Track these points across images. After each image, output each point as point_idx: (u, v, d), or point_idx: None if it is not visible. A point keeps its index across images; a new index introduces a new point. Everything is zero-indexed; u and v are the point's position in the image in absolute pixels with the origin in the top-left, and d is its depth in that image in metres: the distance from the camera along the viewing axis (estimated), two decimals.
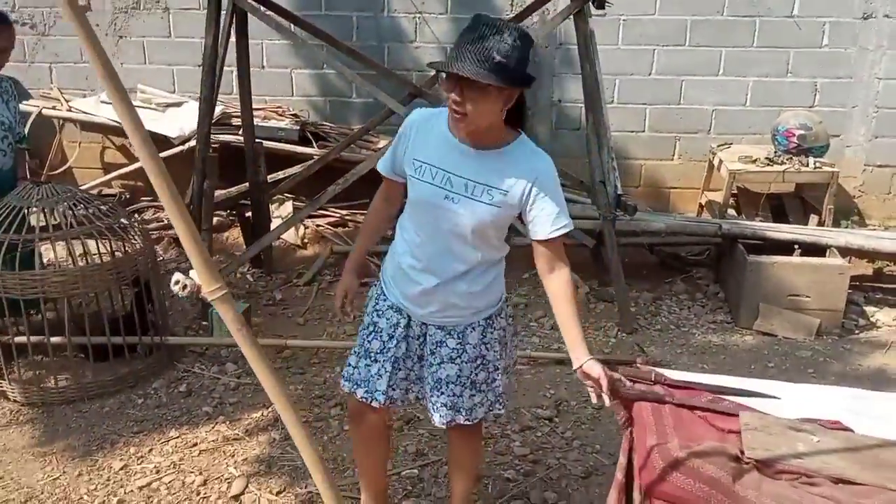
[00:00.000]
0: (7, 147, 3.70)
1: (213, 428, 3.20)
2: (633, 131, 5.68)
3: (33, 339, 3.45)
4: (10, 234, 3.26)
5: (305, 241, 5.46)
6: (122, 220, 3.75)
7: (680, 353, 4.04)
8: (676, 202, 5.85)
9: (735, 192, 5.32)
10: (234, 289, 4.74)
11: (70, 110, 5.64)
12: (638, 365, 2.21)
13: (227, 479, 2.85)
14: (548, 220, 2.05)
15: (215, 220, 5.53)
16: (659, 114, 5.60)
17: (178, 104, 5.78)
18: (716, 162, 5.29)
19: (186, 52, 5.72)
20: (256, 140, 4.67)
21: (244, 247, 5.00)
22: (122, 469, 2.93)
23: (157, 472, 2.90)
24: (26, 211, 3.36)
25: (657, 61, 5.46)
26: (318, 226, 5.60)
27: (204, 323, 4.05)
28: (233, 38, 4.31)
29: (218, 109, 5.53)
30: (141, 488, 2.80)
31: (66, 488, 2.80)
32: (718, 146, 5.40)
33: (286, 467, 2.93)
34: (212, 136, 5.34)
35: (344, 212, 5.73)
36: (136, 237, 3.74)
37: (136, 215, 5.83)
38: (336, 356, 3.80)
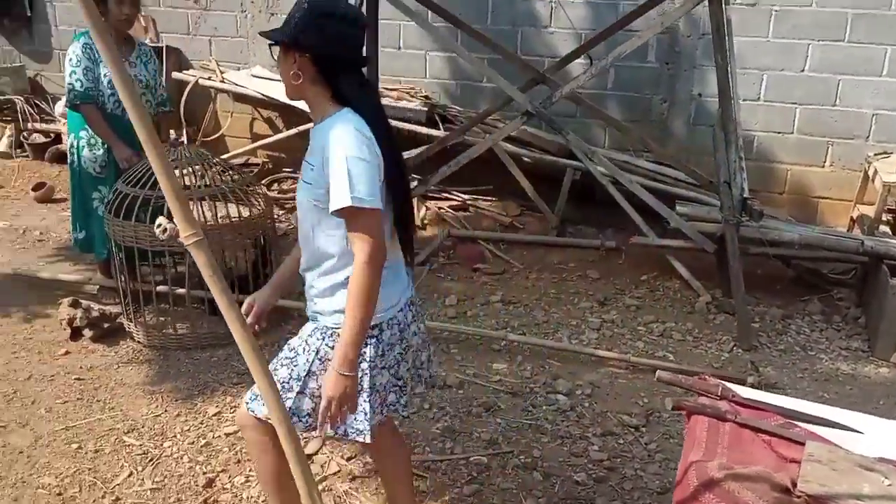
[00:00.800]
0: (146, 105, 4.02)
1: None
2: (779, 132, 5.28)
3: (160, 288, 3.78)
4: (146, 190, 3.57)
5: (426, 222, 5.56)
6: (247, 185, 4.01)
7: (800, 378, 3.72)
8: (826, 214, 5.39)
9: (892, 207, 4.82)
10: None
11: (223, 82, 6.06)
12: (706, 377, 2.07)
13: (305, 438, 2.99)
14: (332, 193, 1.79)
15: None
16: (810, 115, 5.17)
17: None
18: (871, 172, 4.81)
19: None
20: None
21: None
22: (215, 415, 3.15)
23: None
24: None
25: (811, 57, 5.02)
26: (439, 208, 5.68)
27: None
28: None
29: None
30: (227, 435, 3.00)
31: (164, 425, 3.05)
32: (876, 154, 4.90)
33: None
34: None
35: (466, 196, 5.77)
36: (259, 202, 3.99)
37: (277, 185, 6.21)
38: (432, 336, 3.84)
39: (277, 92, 5.85)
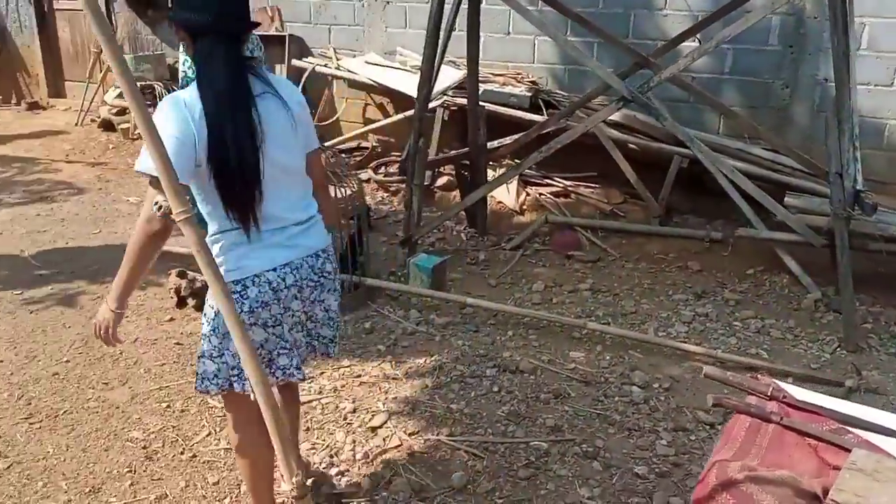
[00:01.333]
0: None
1: (378, 365, 3.46)
2: None
3: None
4: None
5: (524, 207, 5.53)
6: (341, 168, 4.16)
7: None
8: None
9: None
10: (444, 244, 5.01)
11: (338, 69, 6.29)
12: (758, 376, 1.95)
13: (373, 411, 3.08)
14: None
15: (445, 179, 5.85)
16: None
17: None
18: None
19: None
20: (480, 104, 4.81)
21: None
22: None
23: (320, 392, 3.23)
24: None
25: None
26: (539, 194, 5.62)
27: (404, 271, 4.36)
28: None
29: (462, 73, 5.79)
30: (301, 403, 3.14)
31: None
32: None
33: (426, 413, 3.07)
34: (452, 99, 5.63)
35: (568, 182, 5.68)
36: (353, 184, 4.13)
37: (384, 168, 6.38)
38: (512, 321, 3.85)
39: (387, 78, 6.00)
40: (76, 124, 7.92)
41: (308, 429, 2.98)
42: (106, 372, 3.39)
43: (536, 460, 2.79)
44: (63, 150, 7.23)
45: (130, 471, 2.73)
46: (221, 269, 1.86)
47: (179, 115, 1.86)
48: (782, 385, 1.93)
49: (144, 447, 2.86)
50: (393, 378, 3.35)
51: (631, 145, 5.25)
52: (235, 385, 2.06)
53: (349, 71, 6.17)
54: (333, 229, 2.63)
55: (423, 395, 3.22)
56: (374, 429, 2.97)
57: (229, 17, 1.93)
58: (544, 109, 5.49)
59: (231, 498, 2.61)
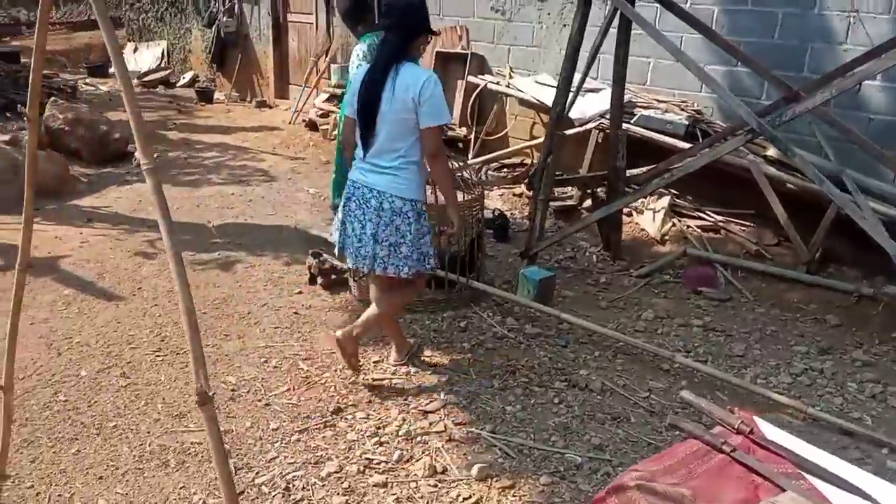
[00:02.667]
0: None
1: (457, 360, 3.64)
2: None
3: None
4: None
5: (667, 238, 5.40)
6: (471, 174, 4.41)
7: None
8: None
9: None
10: (573, 262, 5.06)
11: (508, 86, 6.56)
12: (735, 410, 1.89)
13: (433, 398, 3.28)
14: None
15: (588, 201, 5.88)
16: None
17: (597, 90, 6.19)
18: None
19: (609, 41, 6.07)
20: (622, 127, 4.81)
21: (596, 227, 5.21)
22: (375, 362, 3.61)
23: (393, 374, 3.50)
24: None
25: None
26: (687, 226, 5.45)
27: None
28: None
29: (626, 97, 5.81)
30: (375, 381, 3.43)
31: (332, 361, 3.59)
32: None
33: (480, 409, 3.21)
34: (603, 122, 5.67)
35: (720, 217, 5.45)
36: (475, 192, 4.37)
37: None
38: (605, 343, 3.83)
39: (547, 97, 6.15)
40: (289, 122, 8.99)
41: (370, 401, 3.26)
42: (230, 326, 3.93)
43: (565, 471, 2.82)
44: (272, 143, 8.24)
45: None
46: None
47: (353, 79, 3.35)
48: (758, 421, 1.85)
49: (232, 390, 3.31)
50: (463, 373, 3.52)
51: (789, 185, 4.93)
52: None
53: (517, 89, 6.41)
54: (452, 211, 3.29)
55: (485, 392, 3.36)
56: (425, 412, 3.17)
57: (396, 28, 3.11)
58: (700, 139, 5.32)
59: (282, 443, 2.95)
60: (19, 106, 9.66)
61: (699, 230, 5.42)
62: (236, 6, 10.28)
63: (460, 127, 7.11)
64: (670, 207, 5.62)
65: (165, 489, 2.70)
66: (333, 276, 4.46)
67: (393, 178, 3.11)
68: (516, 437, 3.02)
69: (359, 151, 3.19)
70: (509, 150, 6.71)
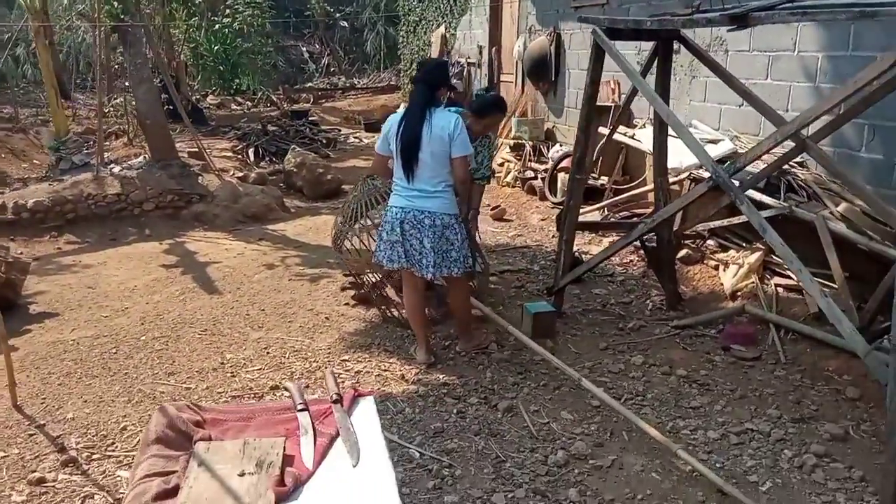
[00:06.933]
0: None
1: (409, 368, 4.09)
2: None
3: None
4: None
5: (738, 294, 5.07)
6: None
7: None
8: None
9: None
10: (618, 308, 5.06)
11: (631, 136, 6.64)
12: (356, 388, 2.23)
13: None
14: None
15: (683, 251, 5.73)
16: None
17: (716, 141, 6.02)
18: None
19: (732, 92, 5.88)
20: (663, 177, 4.78)
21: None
22: (357, 372, 4.18)
23: (358, 373, 4.09)
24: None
25: None
26: (776, 285, 5.05)
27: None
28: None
29: (728, 146, 5.66)
30: (358, 372, 4.03)
31: (331, 353, 4.29)
32: None
33: (385, 405, 3.65)
34: (699, 172, 5.56)
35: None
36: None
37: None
38: (561, 377, 3.91)
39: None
40: None
41: (360, 385, 3.90)
42: (266, 317, 4.87)
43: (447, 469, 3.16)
44: None
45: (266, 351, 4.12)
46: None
47: (388, 123, 4.03)
48: (363, 400, 2.19)
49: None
50: (415, 382, 3.96)
51: (860, 245, 4.40)
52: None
53: (632, 139, 6.48)
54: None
55: (405, 394, 3.78)
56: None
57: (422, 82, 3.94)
58: (782, 192, 4.95)
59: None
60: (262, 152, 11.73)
61: (782, 289, 4.99)
62: (465, 70, 11.58)
63: (600, 176, 7.29)
64: (762, 265, 5.25)
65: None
66: (362, 290, 5.07)
67: (441, 200, 3.90)
68: (390, 430, 3.42)
69: (401, 181, 3.93)
70: (614, 199, 6.75)
